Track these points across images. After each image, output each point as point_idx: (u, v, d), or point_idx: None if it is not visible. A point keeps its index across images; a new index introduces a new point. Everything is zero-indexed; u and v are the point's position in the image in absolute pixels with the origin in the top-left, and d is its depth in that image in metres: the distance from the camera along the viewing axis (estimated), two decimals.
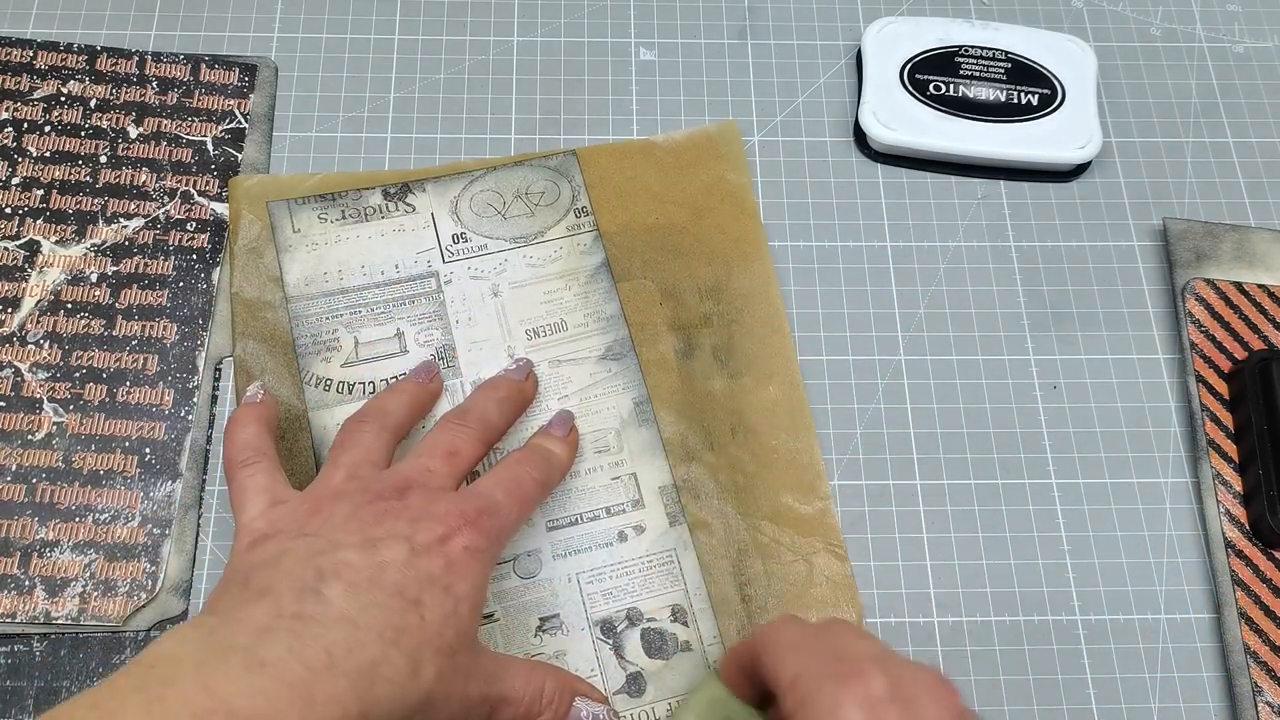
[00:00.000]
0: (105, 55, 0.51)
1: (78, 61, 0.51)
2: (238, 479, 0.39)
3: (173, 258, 0.48)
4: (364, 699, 0.32)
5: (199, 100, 0.51)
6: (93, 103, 0.50)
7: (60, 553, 0.43)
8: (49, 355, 0.46)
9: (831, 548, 0.44)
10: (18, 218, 0.48)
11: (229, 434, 0.41)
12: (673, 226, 0.49)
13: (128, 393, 0.45)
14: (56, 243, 0.48)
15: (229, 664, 0.31)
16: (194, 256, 0.48)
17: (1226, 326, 0.48)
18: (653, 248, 0.48)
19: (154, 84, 0.51)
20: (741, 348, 0.47)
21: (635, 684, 0.41)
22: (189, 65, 0.51)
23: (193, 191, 0.49)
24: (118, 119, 0.50)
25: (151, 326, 0.46)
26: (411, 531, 0.36)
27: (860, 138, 0.52)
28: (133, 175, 0.49)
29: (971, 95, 0.51)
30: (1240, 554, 0.44)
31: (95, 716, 0.29)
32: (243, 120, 0.51)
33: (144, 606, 0.42)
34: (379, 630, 0.33)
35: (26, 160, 0.49)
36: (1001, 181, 0.52)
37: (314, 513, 0.37)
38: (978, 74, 0.52)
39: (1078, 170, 0.52)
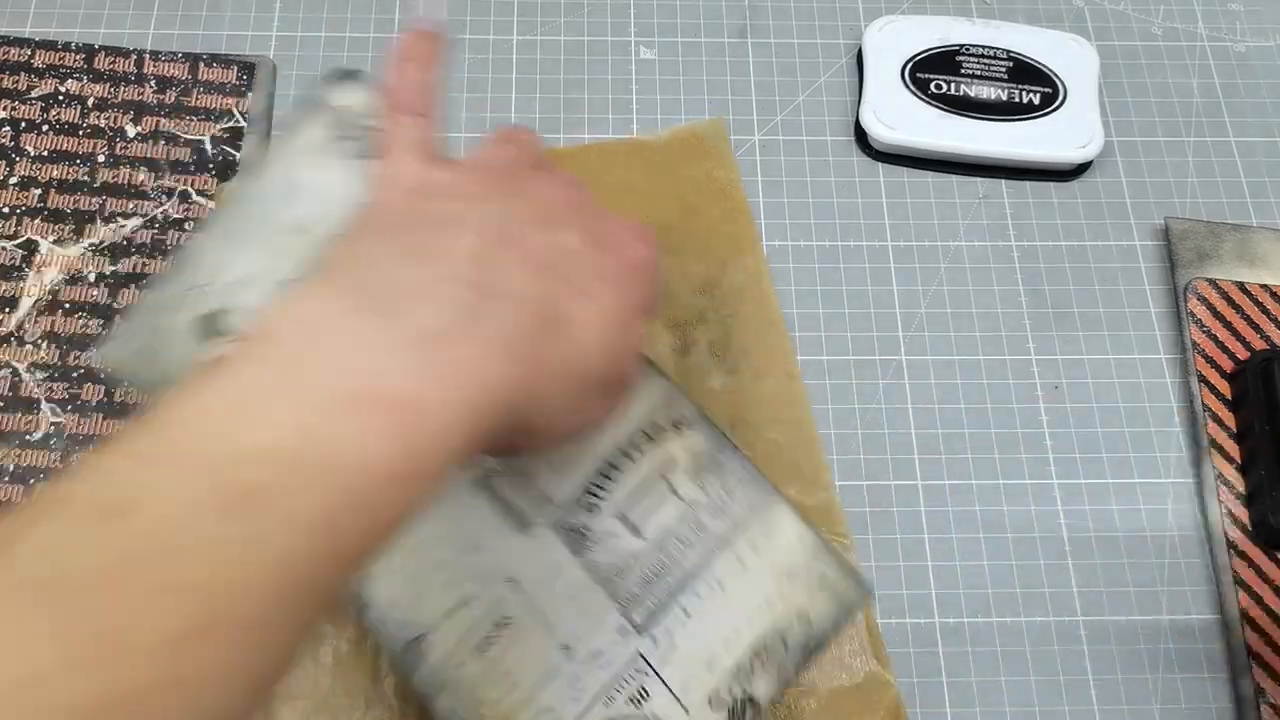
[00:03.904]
0: (103, 54, 0.51)
1: (75, 60, 0.51)
2: (401, 123, 0.33)
3: (171, 258, 0.47)
4: (524, 389, 0.28)
5: (197, 99, 0.50)
6: (90, 101, 0.50)
7: None
8: (47, 355, 0.45)
9: (836, 537, 0.44)
10: (15, 217, 0.48)
11: (400, 65, 0.35)
12: (663, 225, 0.48)
13: (126, 393, 0.45)
14: (54, 242, 0.47)
15: (379, 333, 0.26)
16: None
17: (1228, 326, 0.48)
18: None
19: (152, 82, 0.51)
20: (738, 343, 0.47)
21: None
22: (187, 64, 0.51)
23: (191, 191, 0.49)
24: (116, 118, 0.50)
25: None
26: (591, 226, 0.32)
27: (861, 137, 0.52)
28: (131, 174, 0.49)
29: (973, 94, 0.51)
30: (1242, 555, 0.44)
31: (221, 405, 0.24)
32: (241, 119, 0.50)
33: None
34: (542, 317, 0.29)
35: (24, 159, 0.49)
36: (1003, 181, 0.52)
37: (486, 182, 0.32)
38: (979, 73, 0.52)
39: (1079, 169, 0.52)
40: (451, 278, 0.27)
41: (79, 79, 0.50)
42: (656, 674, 0.37)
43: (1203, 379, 0.47)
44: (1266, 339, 0.48)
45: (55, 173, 0.49)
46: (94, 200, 0.48)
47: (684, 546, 0.39)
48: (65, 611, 0.21)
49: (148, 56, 0.51)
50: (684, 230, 0.48)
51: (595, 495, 0.39)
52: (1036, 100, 0.51)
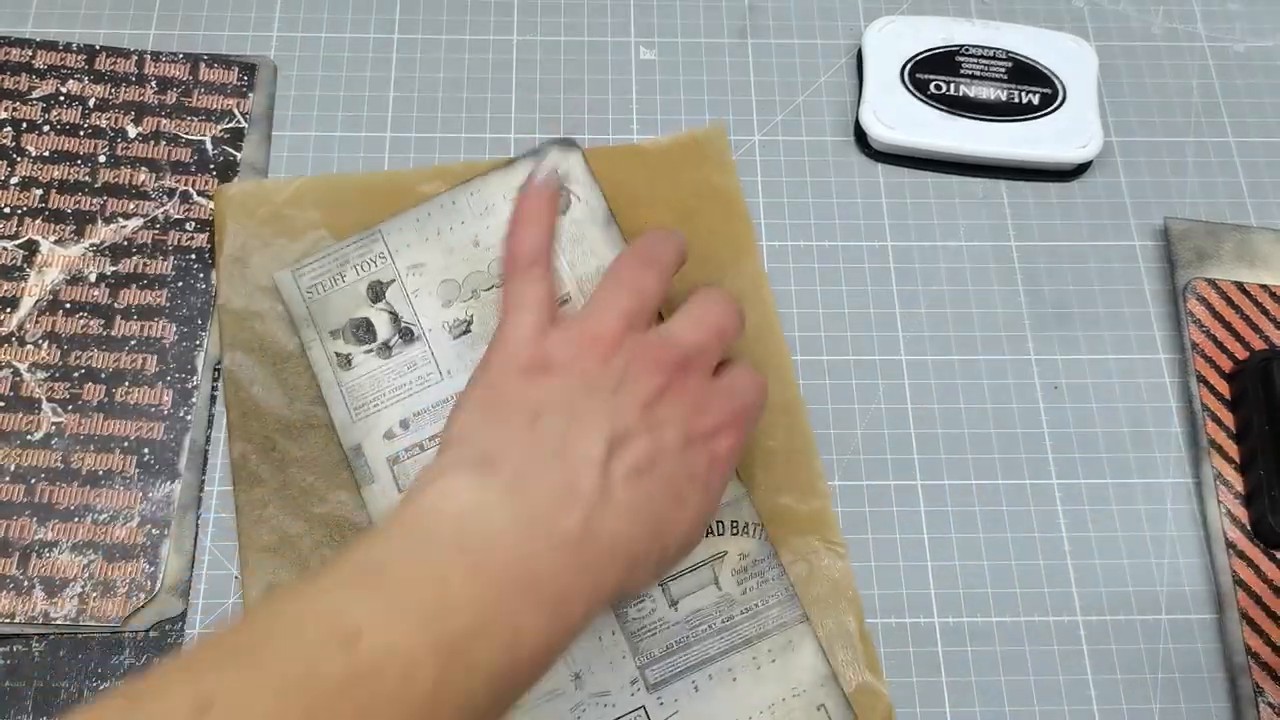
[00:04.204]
0: (104, 54, 0.51)
1: (76, 60, 0.51)
2: (517, 282, 0.37)
3: (171, 258, 0.48)
4: (623, 586, 0.33)
5: (198, 99, 0.51)
6: (91, 102, 0.50)
7: (59, 553, 0.43)
8: (47, 355, 0.46)
9: (831, 545, 0.44)
10: (16, 217, 0.48)
11: (520, 227, 0.38)
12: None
13: (126, 393, 0.45)
14: (55, 242, 0.47)
15: (536, 537, 0.31)
16: (193, 256, 0.48)
17: (1228, 326, 0.48)
18: None
19: (153, 83, 0.51)
20: (735, 349, 0.47)
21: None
22: (188, 64, 0.51)
23: (191, 191, 0.49)
24: (116, 118, 0.50)
25: (150, 326, 0.46)
26: (689, 418, 0.35)
27: (861, 137, 0.52)
28: (131, 175, 0.49)
29: (972, 95, 0.51)
30: (1242, 554, 0.44)
31: (422, 570, 0.30)
32: (242, 120, 0.51)
33: (143, 607, 0.42)
34: (648, 524, 0.34)
35: (25, 160, 0.49)
36: (1003, 181, 0.52)
37: (601, 360, 0.35)
38: (979, 73, 0.52)
39: (1079, 170, 0.52)
40: (586, 489, 0.32)
41: (80, 79, 0.51)
42: None
43: (1202, 379, 0.47)
44: (1266, 339, 0.48)
45: (56, 173, 0.49)
46: (95, 201, 0.48)
47: (710, 632, 0.42)
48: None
49: (149, 57, 0.51)
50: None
51: None
52: (1036, 100, 0.51)
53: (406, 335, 0.45)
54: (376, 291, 0.45)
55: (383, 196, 0.49)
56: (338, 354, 0.45)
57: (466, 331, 0.45)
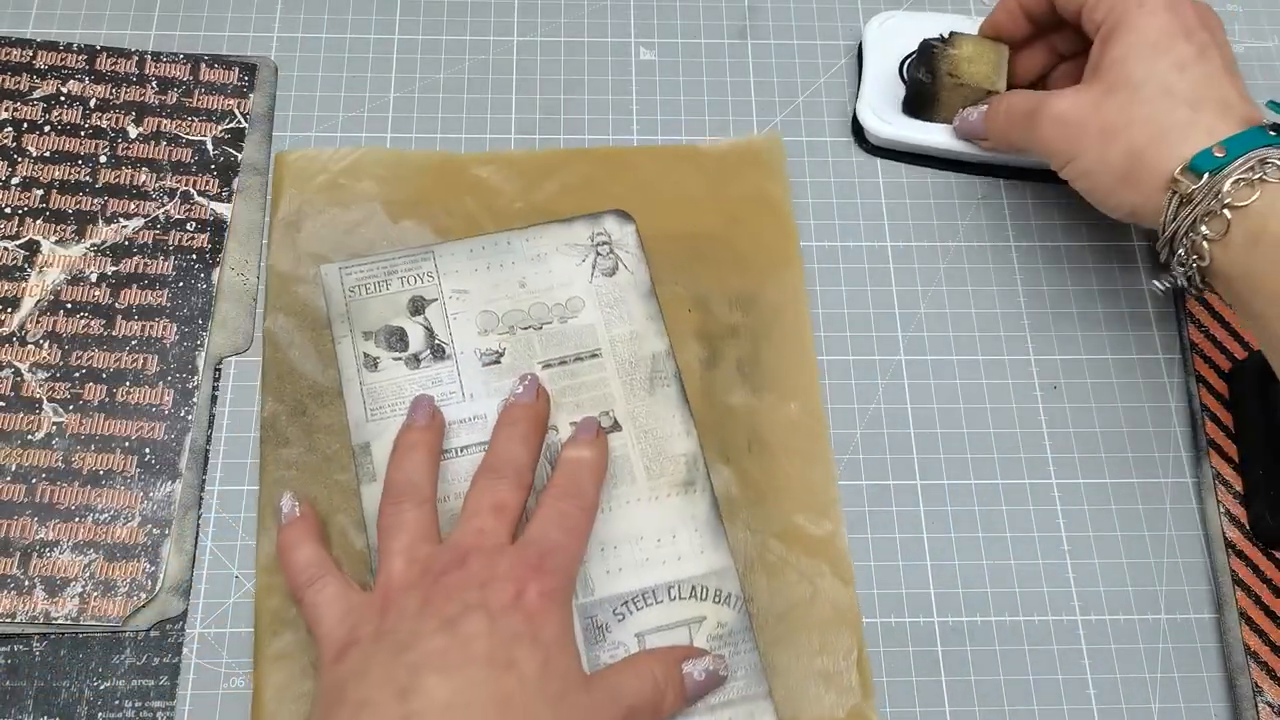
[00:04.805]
0: (105, 55, 0.51)
1: (77, 61, 0.51)
2: (307, 599, 0.39)
3: (172, 258, 0.48)
4: None
5: (199, 100, 0.51)
6: (92, 102, 0.50)
7: (60, 553, 0.43)
8: (49, 355, 0.46)
9: (838, 572, 0.43)
10: (17, 217, 0.48)
11: (284, 558, 0.41)
12: (708, 234, 0.49)
13: (127, 393, 0.45)
14: (56, 243, 0.48)
15: None
16: (193, 256, 0.48)
17: (1226, 326, 0.48)
18: (686, 253, 0.48)
19: (154, 84, 0.51)
20: (766, 362, 0.47)
21: None
22: (189, 65, 0.51)
23: (192, 191, 0.49)
24: (117, 119, 0.50)
25: (151, 326, 0.46)
26: (484, 598, 0.37)
27: (858, 132, 0.52)
28: (132, 175, 0.49)
29: None
30: (1240, 554, 0.44)
31: None
32: (242, 120, 0.51)
33: (144, 606, 0.42)
34: (484, 705, 0.34)
35: (26, 160, 0.49)
36: (1002, 180, 0.52)
37: (387, 609, 0.37)
38: None
39: None
40: None
41: (81, 80, 0.51)
42: None
43: (1201, 379, 0.47)
44: None
45: (57, 173, 0.49)
46: (96, 201, 0.48)
47: None
48: None
49: (149, 57, 0.51)
50: (726, 241, 0.48)
51: (628, 609, 0.42)
52: None
53: (438, 352, 0.45)
54: (417, 305, 0.46)
55: (436, 174, 0.49)
56: (366, 355, 0.45)
57: (497, 362, 0.46)
